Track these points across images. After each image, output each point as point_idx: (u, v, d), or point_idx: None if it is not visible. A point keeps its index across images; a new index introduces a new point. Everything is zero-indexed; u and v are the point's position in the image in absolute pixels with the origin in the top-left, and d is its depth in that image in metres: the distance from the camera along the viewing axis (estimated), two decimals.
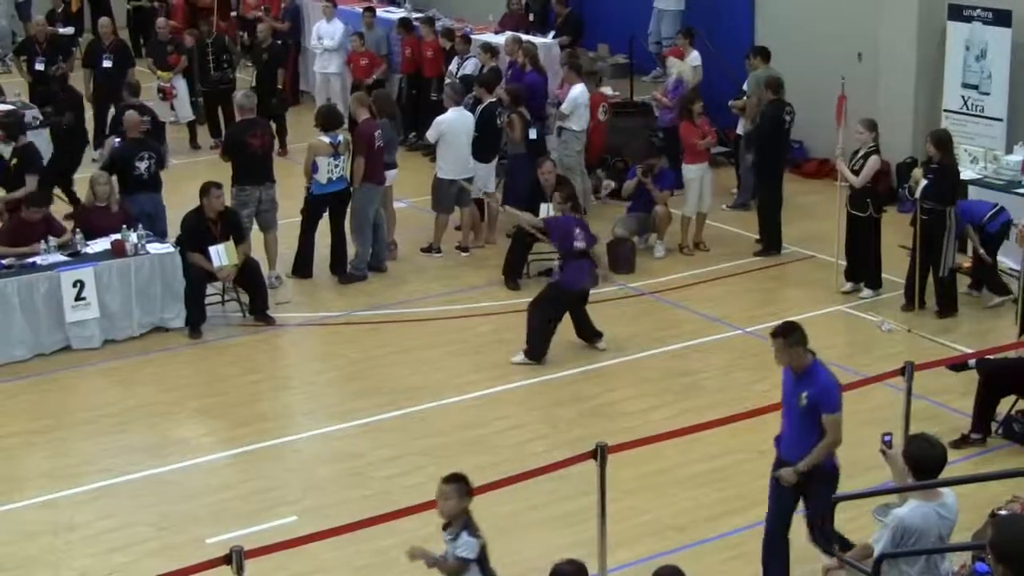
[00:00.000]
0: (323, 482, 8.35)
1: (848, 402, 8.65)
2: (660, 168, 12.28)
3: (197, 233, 10.58)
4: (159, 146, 11.98)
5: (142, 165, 11.28)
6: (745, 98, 13.28)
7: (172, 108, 15.42)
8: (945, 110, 13.19)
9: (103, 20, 15.87)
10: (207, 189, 10.59)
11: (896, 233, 11.81)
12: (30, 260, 10.33)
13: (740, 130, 13.55)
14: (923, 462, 5.70)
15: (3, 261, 10.28)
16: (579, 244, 9.98)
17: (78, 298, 10.18)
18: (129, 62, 15.14)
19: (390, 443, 8.84)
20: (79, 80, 15.12)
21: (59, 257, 10.40)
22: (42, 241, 10.49)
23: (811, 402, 6.61)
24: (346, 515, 7.25)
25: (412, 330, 10.68)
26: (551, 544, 7.40)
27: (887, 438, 6.10)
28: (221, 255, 10.59)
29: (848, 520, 6.91)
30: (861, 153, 10.95)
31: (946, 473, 5.84)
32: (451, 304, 11.22)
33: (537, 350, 9.91)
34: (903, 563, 5.68)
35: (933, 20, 13.34)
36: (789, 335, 6.62)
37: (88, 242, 10.62)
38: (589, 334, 10.21)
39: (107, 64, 14.75)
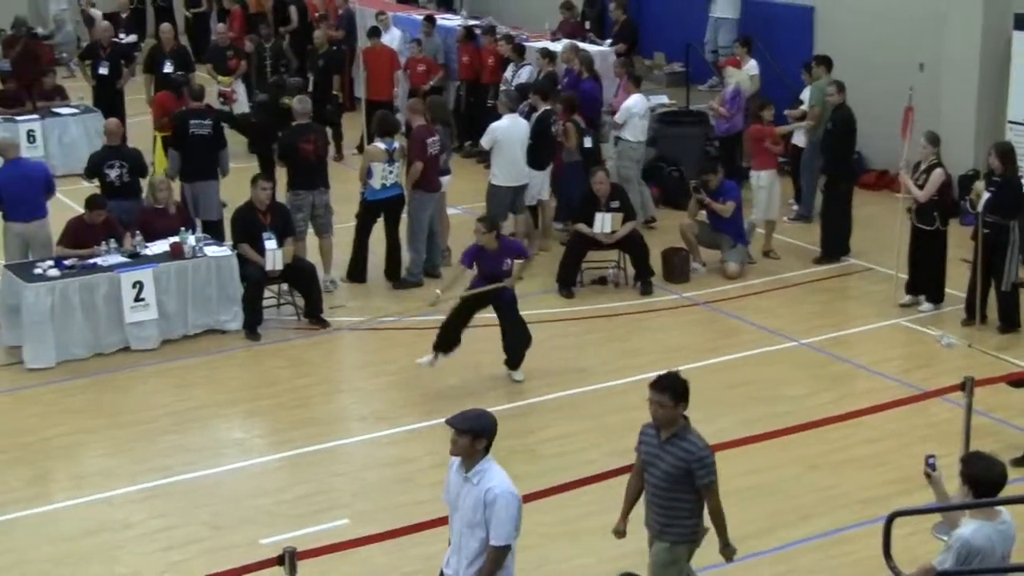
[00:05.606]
0: (373, 486, 8.38)
1: (906, 416, 8.55)
2: (719, 182, 11.86)
3: (248, 223, 10.73)
4: (137, 154, 11.72)
5: (112, 172, 11.36)
6: (807, 107, 13.15)
7: (231, 112, 15.58)
8: (1010, 121, 12.96)
9: (164, 26, 16.10)
10: (254, 180, 10.85)
11: (957, 246, 11.61)
12: (91, 261, 10.50)
13: (796, 140, 13.40)
14: (984, 481, 5.59)
15: (65, 262, 10.45)
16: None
17: (137, 299, 10.32)
18: (190, 67, 15.35)
19: (439, 449, 8.81)
20: (140, 85, 15.36)
21: (119, 258, 10.55)
22: (103, 242, 10.66)
23: None
24: (396, 519, 7.27)
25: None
26: (603, 553, 7.37)
27: (931, 460, 5.97)
28: (276, 259, 10.68)
29: (907, 536, 6.79)
30: (924, 167, 10.79)
31: (1006, 492, 5.72)
32: None
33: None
34: None
35: (999, 29, 13.13)
36: None
37: (147, 244, 10.77)
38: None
39: (168, 69, 14.95)
